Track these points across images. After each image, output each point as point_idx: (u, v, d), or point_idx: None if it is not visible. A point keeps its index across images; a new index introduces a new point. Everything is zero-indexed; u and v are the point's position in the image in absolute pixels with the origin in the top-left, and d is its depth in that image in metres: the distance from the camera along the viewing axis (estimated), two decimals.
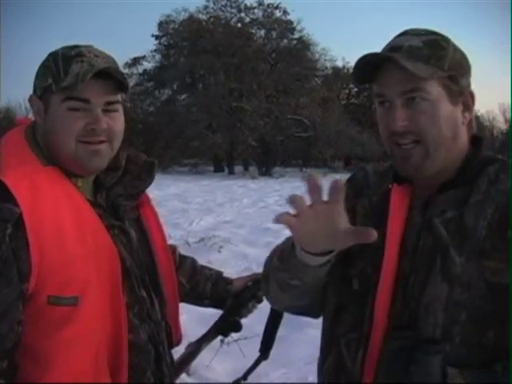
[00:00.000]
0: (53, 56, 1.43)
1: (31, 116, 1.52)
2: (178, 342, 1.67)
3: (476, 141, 1.33)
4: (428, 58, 1.23)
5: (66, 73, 1.38)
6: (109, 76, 1.40)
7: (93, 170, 1.45)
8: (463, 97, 1.28)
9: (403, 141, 1.24)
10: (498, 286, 1.16)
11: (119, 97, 1.45)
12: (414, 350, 1.15)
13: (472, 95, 1.30)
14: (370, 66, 1.26)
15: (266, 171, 34.93)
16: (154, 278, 1.55)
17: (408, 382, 1.14)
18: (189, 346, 1.78)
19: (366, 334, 1.27)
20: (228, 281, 1.90)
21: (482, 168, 1.27)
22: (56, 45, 1.47)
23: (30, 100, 1.46)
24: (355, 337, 1.30)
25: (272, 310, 1.76)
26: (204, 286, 1.87)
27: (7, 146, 1.44)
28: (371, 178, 1.45)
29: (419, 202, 1.29)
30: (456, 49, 1.29)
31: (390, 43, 1.29)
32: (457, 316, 1.18)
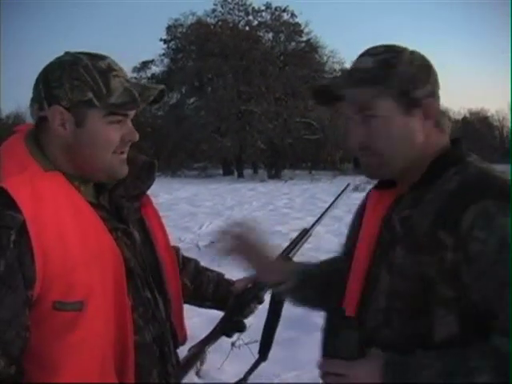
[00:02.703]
0: (83, 67, 1.40)
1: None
2: (183, 342, 1.68)
3: (456, 143, 1.41)
4: (374, 79, 1.33)
5: (109, 89, 1.39)
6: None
7: (122, 176, 1.50)
8: (421, 106, 1.35)
9: (361, 154, 1.39)
10: (426, 280, 1.26)
11: None
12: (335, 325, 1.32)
13: (432, 103, 1.36)
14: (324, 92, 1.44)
15: (275, 174, 34.95)
16: (158, 279, 1.56)
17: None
18: (192, 347, 1.78)
19: None
20: (229, 282, 1.91)
21: (444, 170, 1.35)
22: (65, 49, 1.46)
23: (53, 111, 1.40)
24: None
25: (269, 312, 1.78)
26: (206, 287, 1.88)
27: (7, 153, 1.43)
28: None
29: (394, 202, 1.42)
30: (410, 62, 1.35)
31: (352, 63, 1.42)
32: (394, 304, 1.30)
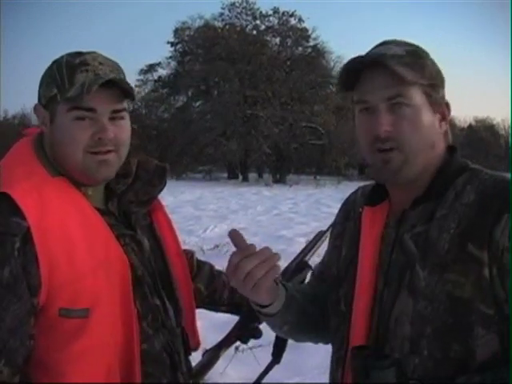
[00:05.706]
0: (57, 64, 1.41)
1: None
2: (196, 348, 1.65)
3: (452, 151, 1.34)
4: (411, 65, 1.25)
5: (71, 82, 1.37)
6: (114, 84, 1.38)
7: (101, 179, 1.44)
8: (441, 107, 1.30)
9: (384, 146, 1.25)
10: (458, 300, 1.17)
11: (125, 104, 1.44)
12: (370, 366, 1.15)
13: (448, 106, 1.32)
14: (354, 71, 1.28)
15: (279, 179, 34.96)
16: (168, 285, 1.54)
17: None
18: (205, 353, 1.76)
19: (345, 353, 1.31)
20: None
21: (453, 180, 1.28)
22: (72, 50, 1.45)
23: (36, 109, 1.45)
24: (339, 356, 1.35)
25: None
26: (221, 292, 1.84)
27: (15, 157, 1.43)
28: (358, 201, 1.48)
29: (394, 218, 1.32)
30: (433, 61, 1.32)
31: (370, 52, 1.31)
32: (422, 329, 1.19)
